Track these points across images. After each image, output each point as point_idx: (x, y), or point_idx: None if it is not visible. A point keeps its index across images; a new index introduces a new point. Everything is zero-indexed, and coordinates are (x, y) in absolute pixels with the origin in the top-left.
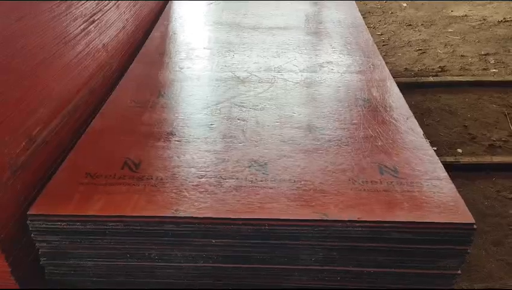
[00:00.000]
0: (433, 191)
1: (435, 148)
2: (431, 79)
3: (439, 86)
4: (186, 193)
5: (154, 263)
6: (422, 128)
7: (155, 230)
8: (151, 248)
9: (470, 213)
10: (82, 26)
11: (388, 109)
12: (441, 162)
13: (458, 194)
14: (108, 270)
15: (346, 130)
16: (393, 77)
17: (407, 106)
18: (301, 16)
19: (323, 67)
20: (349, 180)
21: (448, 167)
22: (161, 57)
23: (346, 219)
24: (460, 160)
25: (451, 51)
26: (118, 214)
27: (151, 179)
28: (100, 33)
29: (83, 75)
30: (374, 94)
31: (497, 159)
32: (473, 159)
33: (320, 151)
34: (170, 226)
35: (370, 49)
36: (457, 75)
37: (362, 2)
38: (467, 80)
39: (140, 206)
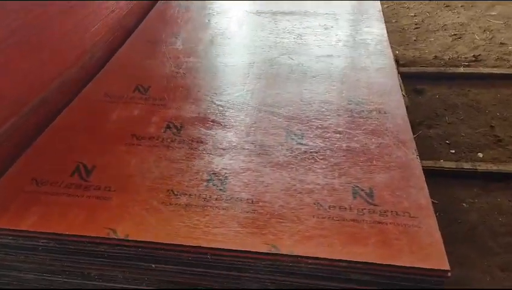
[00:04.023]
0: (408, 225)
1: (453, 151)
2: (461, 70)
3: (470, 79)
4: (130, 209)
5: (95, 282)
6: (441, 128)
7: (90, 250)
8: (89, 268)
9: (445, 257)
10: (58, 9)
11: (382, 116)
12: (457, 168)
13: (438, 230)
14: (50, 284)
15: (327, 140)
16: (420, 66)
17: (405, 112)
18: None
19: (321, 61)
20: (315, 204)
21: (465, 174)
22: (150, 45)
23: (296, 254)
24: (477, 167)
25: (490, 37)
26: (49, 231)
27: (99, 189)
28: (82, 18)
29: (55, 65)
30: (370, 97)
31: None
32: (493, 167)
33: (292, 166)
34: (105, 247)
35: (380, 42)
36: (491, 66)
37: None
38: (502, 72)
39: (77, 223)
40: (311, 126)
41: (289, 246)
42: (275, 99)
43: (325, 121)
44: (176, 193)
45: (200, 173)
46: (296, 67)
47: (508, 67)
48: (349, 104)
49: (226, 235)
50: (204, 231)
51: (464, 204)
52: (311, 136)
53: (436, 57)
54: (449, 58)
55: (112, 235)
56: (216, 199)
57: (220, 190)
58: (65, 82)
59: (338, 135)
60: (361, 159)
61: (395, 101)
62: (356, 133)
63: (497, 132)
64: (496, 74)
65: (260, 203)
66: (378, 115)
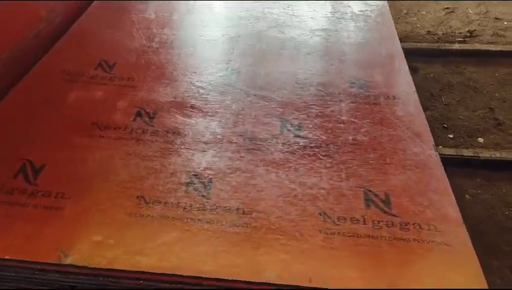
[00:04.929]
0: (436, 242)
1: (451, 136)
2: (457, 46)
3: (465, 56)
4: (89, 223)
5: None
6: (438, 110)
7: (36, 279)
8: None
9: (486, 285)
10: None
11: (391, 102)
12: (458, 156)
13: (472, 249)
14: None
15: (330, 131)
16: (413, 41)
17: (417, 98)
18: None
19: (316, 35)
20: (320, 214)
21: (466, 163)
22: (116, 13)
23: (302, 285)
24: (480, 155)
25: (484, 11)
26: None
27: (49, 196)
28: None
29: (2, 35)
30: (375, 78)
31: None
32: (497, 155)
33: (289, 164)
34: (56, 276)
35: (381, 14)
36: (487, 43)
37: None
38: (499, 49)
39: (19, 242)
40: (309, 114)
41: (293, 273)
42: (265, 80)
43: (326, 107)
44: (147, 200)
45: (178, 174)
46: (288, 43)
47: (505, 44)
48: (352, 86)
49: (211, 257)
50: (184, 251)
51: (467, 196)
52: (311, 126)
53: (429, 32)
54: (443, 34)
55: (64, 260)
56: (198, 209)
57: (203, 196)
58: (14, 56)
59: (342, 125)
60: (371, 155)
61: (405, 84)
62: (363, 123)
63: (496, 115)
64: (493, 51)
65: (253, 214)
66: (386, 100)
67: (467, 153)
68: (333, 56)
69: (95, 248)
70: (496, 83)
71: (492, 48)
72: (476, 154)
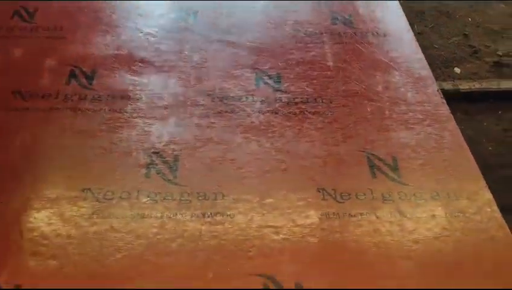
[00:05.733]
0: (464, 216)
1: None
2: None
3: None
4: (21, 233)
5: None
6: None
7: None
8: None
9: None
10: None
11: (382, 40)
12: (437, 90)
13: (502, 218)
14: None
15: (315, 82)
16: None
17: (412, 34)
18: None
19: None
20: (319, 190)
21: (445, 96)
22: None
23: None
24: (460, 86)
25: None
26: None
27: None
28: None
29: None
30: (360, 11)
31: (505, 84)
32: (476, 86)
33: (273, 128)
34: None
35: None
36: None
37: None
38: None
39: None
40: (289, 61)
41: (293, 274)
42: (230, 21)
43: (307, 51)
44: (96, 193)
45: (134, 154)
46: None
47: None
48: (335, 23)
49: (191, 266)
50: (155, 260)
51: None
52: (292, 76)
53: None
54: None
55: None
56: (165, 199)
57: (169, 181)
58: None
59: (328, 72)
60: (368, 108)
61: (395, 18)
62: (352, 68)
63: (471, 42)
64: None
65: (232, 197)
66: (376, 38)
67: (447, 86)
68: None
69: (32, 271)
70: (468, 7)
71: None
72: (455, 87)
